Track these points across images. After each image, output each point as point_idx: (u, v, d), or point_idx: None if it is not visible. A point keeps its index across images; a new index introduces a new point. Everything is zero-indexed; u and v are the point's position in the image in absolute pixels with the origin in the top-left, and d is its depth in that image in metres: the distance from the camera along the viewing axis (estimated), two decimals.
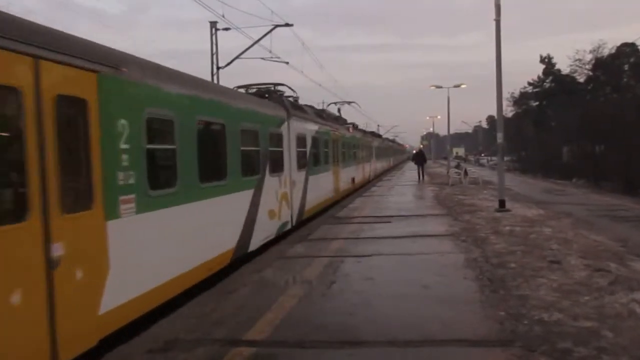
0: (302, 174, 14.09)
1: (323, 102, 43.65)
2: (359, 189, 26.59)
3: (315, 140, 16.00)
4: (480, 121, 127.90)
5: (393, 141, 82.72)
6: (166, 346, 5.24)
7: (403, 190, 25.75)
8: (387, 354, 4.93)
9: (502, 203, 15.49)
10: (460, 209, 16.01)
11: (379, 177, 39.01)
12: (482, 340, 5.12)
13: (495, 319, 5.64)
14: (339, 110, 31.29)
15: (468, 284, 7.21)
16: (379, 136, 51.80)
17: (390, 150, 60.00)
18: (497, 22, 15.82)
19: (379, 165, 41.99)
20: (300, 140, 14.12)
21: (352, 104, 33.80)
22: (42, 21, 5.21)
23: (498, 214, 14.47)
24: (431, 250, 9.70)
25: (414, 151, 56.07)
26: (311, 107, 18.22)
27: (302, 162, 14.18)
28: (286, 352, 5.03)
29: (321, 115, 19.08)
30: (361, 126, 41.35)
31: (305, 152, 14.60)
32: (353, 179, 25.08)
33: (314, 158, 15.66)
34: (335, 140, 20.13)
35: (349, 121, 32.15)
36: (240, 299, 6.84)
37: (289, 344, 5.20)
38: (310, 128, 15.59)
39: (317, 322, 5.82)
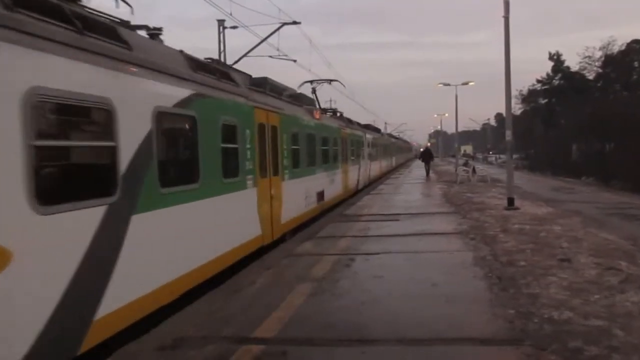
0: (95, 213, 5.18)
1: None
2: (335, 205, 18.04)
3: (189, 124, 7.35)
4: (488, 119, 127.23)
5: (397, 137, 73.54)
6: (175, 344, 5.25)
7: (411, 188, 25.69)
8: (397, 352, 4.91)
9: (511, 201, 15.42)
10: (468, 207, 15.95)
11: (375, 182, 30.75)
12: (492, 338, 5.08)
13: (505, 318, 5.60)
14: (313, 90, 20.82)
15: (477, 282, 7.17)
16: (377, 130, 39.97)
17: (391, 148, 49.20)
18: (506, 19, 15.78)
19: (374, 167, 32.21)
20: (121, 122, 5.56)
21: (334, 82, 22.69)
22: None
23: (507, 212, 14.40)
24: (440, 249, 9.66)
25: (421, 149, 56.02)
26: (222, 64, 10.98)
27: (102, 180, 5.47)
28: (295, 349, 5.02)
29: (248, 81, 10.33)
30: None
31: (131, 155, 5.80)
32: (321, 195, 15.83)
33: (184, 166, 7.43)
34: (275, 130, 11.36)
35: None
36: (249, 297, 6.85)
37: (298, 342, 5.20)
38: (169, 93, 6.76)
39: (325, 320, 5.81)
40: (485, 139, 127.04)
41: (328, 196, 16.95)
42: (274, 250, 10.30)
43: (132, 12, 7.34)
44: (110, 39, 5.68)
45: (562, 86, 60.16)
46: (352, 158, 23.21)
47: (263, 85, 11.55)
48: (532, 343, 4.87)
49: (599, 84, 56.14)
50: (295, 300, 6.55)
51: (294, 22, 19.35)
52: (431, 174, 34.73)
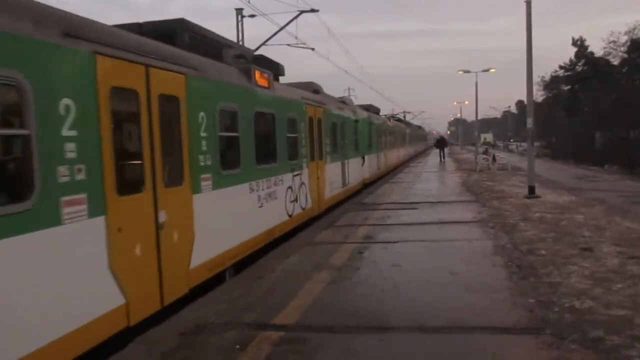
0: None
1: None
2: None
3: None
4: (509, 106, 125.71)
5: (399, 120, 48.46)
6: (197, 329, 5.35)
7: (430, 176, 25.56)
8: (417, 339, 4.94)
9: (531, 189, 15.25)
10: (488, 195, 15.81)
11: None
12: (512, 327, 5.07)
13: (525, 307, 5.58)
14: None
15: (497, 271, 7.14)
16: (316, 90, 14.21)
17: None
18: (528, 4, 15.51)
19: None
20: None
21: None
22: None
23: (527, 201, 14.24)
24: (459, 237, 9.61)
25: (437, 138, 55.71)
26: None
27: None
28: (315, 336, 5.08)
29: None
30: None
31: None
32: None
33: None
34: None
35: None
36: (269, 285, 6.93)
37: (317, 329, 5.25)
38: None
39: (345, 307, 5.86)
40: (506, 126, 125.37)
41: None
42: (294, 238, 10.35)
43: None
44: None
45: (586, 72, 58.93)
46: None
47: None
48: (552, 332, 4.85)
49: (624, 70, 54.77)
50: (314, 288, 6.61)
51: (312, 10, 19.24)
52: (449, 162, 35.72)
